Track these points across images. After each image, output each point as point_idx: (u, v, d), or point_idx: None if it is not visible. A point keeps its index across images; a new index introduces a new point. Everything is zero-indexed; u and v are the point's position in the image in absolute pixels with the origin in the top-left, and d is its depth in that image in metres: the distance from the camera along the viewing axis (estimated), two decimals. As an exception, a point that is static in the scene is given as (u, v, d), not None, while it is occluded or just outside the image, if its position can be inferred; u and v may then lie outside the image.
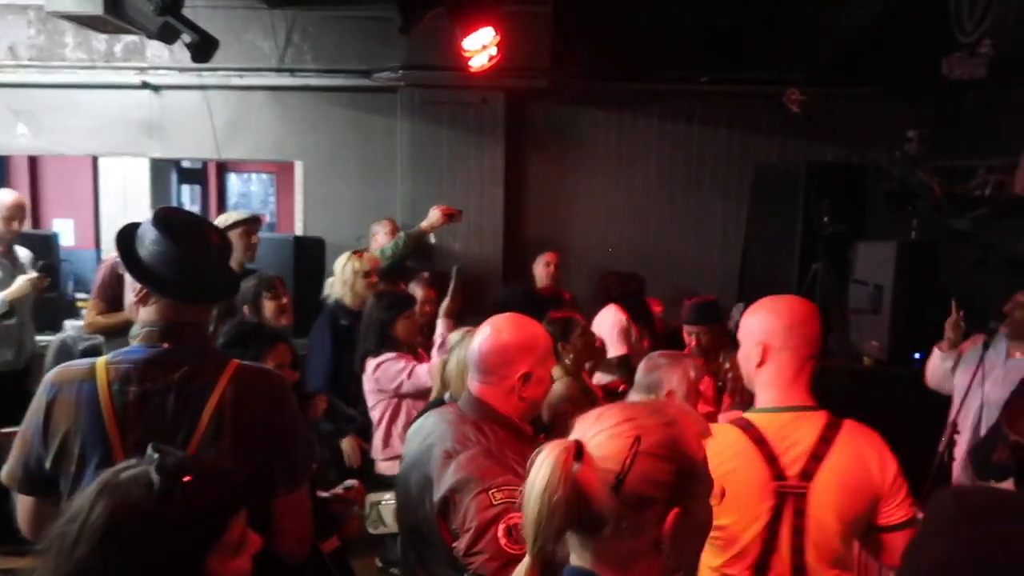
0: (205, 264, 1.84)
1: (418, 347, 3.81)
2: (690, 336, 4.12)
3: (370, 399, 3.56)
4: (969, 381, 3.74)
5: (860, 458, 1.83)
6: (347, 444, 3.80)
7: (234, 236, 3.92)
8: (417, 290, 4.46)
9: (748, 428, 1.86)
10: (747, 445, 1.84)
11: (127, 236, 1.84)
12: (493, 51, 4.89)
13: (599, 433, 1.11)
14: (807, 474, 1.80)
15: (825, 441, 1.82)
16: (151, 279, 1.79)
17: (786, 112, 5.57)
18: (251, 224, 4.27)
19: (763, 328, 1.90)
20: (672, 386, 2.89)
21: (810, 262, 5.09)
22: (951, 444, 3.75)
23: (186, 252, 1.79)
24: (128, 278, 1.83)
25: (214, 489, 1.36)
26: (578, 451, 1.08)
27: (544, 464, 1.06)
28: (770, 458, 1.82)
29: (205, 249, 1.85)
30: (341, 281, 4.14)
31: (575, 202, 6.48)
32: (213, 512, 1.35)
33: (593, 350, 3.56)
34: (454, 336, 2.55)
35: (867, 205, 5.50)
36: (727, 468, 1.82)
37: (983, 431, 3.51)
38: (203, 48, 4.12)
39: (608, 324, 4.54)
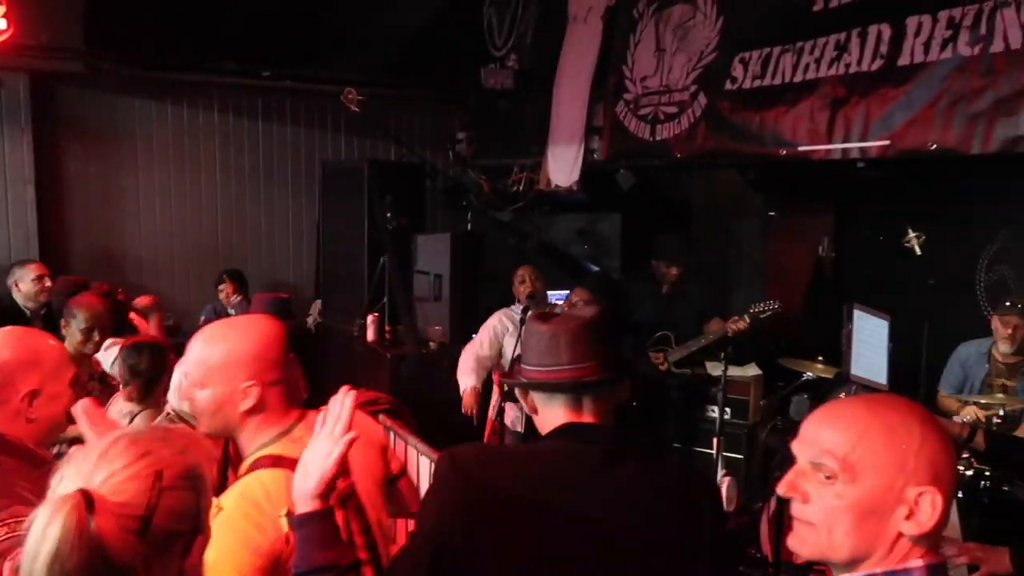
0: None
1: None
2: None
3: None
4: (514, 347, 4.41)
5: (373, 431, 1.84)
6: None
7: None
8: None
9: (281, 462, 1.55)
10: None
11: None
12: (2, 24, 4.17)
13: (112, 476, 0.99)
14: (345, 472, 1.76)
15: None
16: None
17: (349, 111, 5.71)
18: None
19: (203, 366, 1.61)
20: None
21: (379, 255, 5.31)
22: (501, 410, 4.31)
23: None
24: None
25: None
26: (89, 503, 0.93)
27: (50, 530, 0.90)
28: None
29: None
30: None
31: (129, 200, 5.85)
32: None
33: None
34: None
35: (426, 201, 5.93)
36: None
37: None
38: None
39: None
